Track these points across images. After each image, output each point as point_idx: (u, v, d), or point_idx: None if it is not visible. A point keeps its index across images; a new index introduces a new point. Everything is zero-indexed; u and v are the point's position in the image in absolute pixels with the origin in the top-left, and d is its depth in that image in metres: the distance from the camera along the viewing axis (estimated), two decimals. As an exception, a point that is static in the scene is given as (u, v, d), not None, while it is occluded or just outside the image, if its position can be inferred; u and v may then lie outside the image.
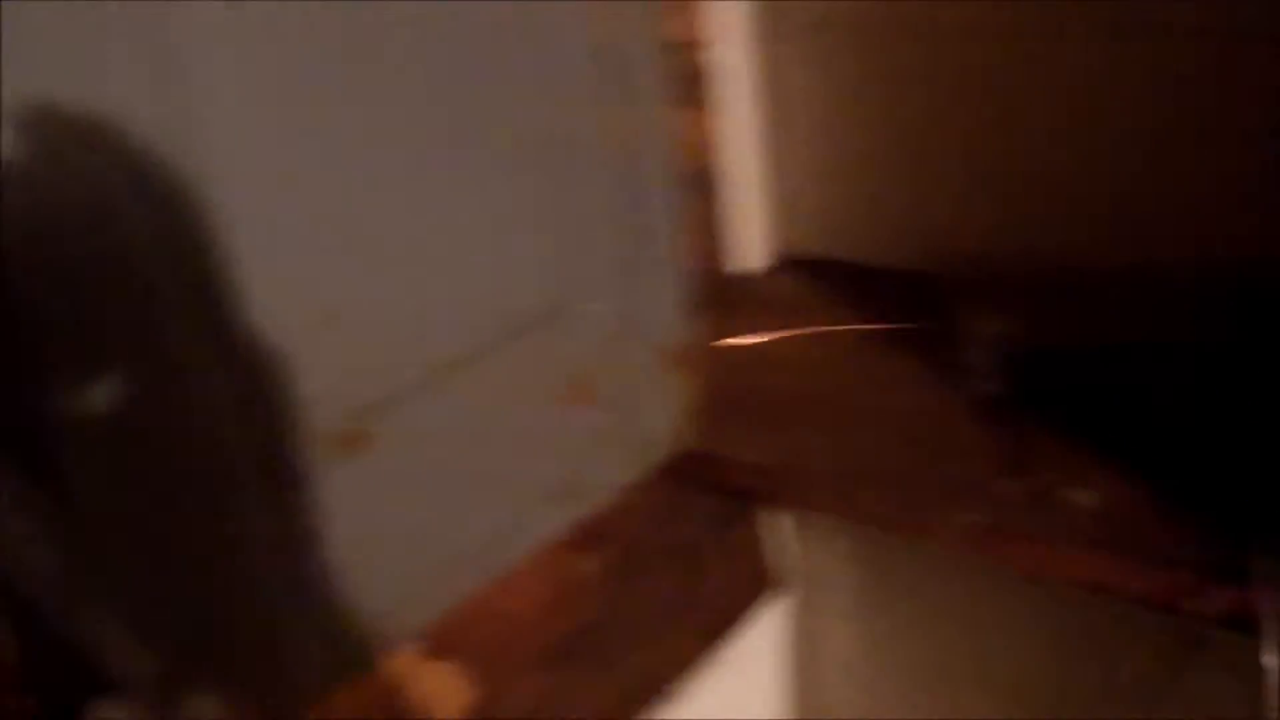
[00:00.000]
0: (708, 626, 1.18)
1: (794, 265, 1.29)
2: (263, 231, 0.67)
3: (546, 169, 0.81)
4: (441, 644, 0.88)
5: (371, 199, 0.72)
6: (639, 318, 0.90)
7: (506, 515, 0.84)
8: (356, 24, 0.70)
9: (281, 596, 0.72)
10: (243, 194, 0.65)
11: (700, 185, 1.17)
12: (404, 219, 0.74)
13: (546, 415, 0.85)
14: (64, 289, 0.59)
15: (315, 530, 0.73)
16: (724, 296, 1.16)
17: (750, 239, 1.27)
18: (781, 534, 1.25)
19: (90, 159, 0.59)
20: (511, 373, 0.82)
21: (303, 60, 0.68)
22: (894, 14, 1.13)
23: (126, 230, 0.61)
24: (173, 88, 0.62)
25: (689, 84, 1.12)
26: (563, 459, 0.86)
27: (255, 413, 0.69)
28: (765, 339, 1.13)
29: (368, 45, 0.70)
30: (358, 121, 0.71)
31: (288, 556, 0.72)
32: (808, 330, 1.13)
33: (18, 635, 0.64)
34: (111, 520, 0.64)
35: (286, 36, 0.66)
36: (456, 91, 0.75)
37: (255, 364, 0.69)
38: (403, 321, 0.75)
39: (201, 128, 0.63)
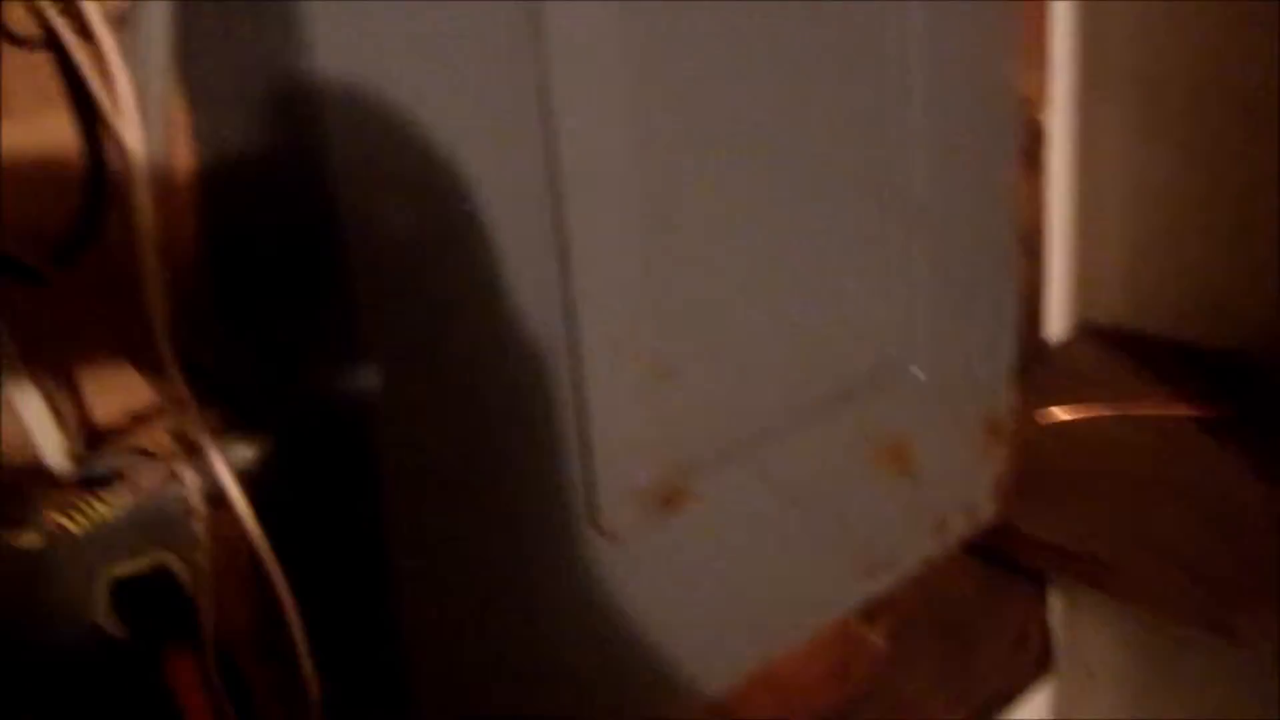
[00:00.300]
0: (978, 703, 1.14)
1: (1096, 334, 1.23)
2: (607, 275, 0.65)
3: (886, 225, 0.78)
4: (723, 706, 0.85)
5: (715, 253, 0.70)
6: (962, 384, 0.86)
7: (811, 584, 0.81)
8: (718, 64, 0.68)
9: (575, 648, 0.71)
10: (592, 238, 0.64)
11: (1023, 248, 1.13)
12: (744, 273, 0.72)
13: (862, 481, 0.81)
14: (396, 278, 0.58)
15: (621, 585, 0.71)
16: (1028, 364, 1.11)
17: (1054, 304, 1.23)
18: (1061, 615, 1.21)
19: (445, 153, 0.58)
20: (833, 436, 0.79)
21: (662, 93, 0.66)
22: (1217, 80, 1.08)
23: (464, 233, 0.60)
24: (541, 98, 0.60)
25: (1025, 143, 1.09)
26: (873, 528, 0.83)
27: (570, 457, 0.67)
28: (1088, 415, 1.08)
29: (726, 85, 0.68)
30: (709, 171, 0.69)
31: (587, 608, 0.70)
32: (1132, 410, 1.08)
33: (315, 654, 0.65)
34: (413, 553, 0.62)
35: (651, 66, 0.64)
36: (804, 144, 0.73)
37: (575, 407, 0.67)
38: (734, 379, 0.73)
39: (561, 150, 0.62)
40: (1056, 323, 1.24)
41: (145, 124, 0.57)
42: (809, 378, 0.77)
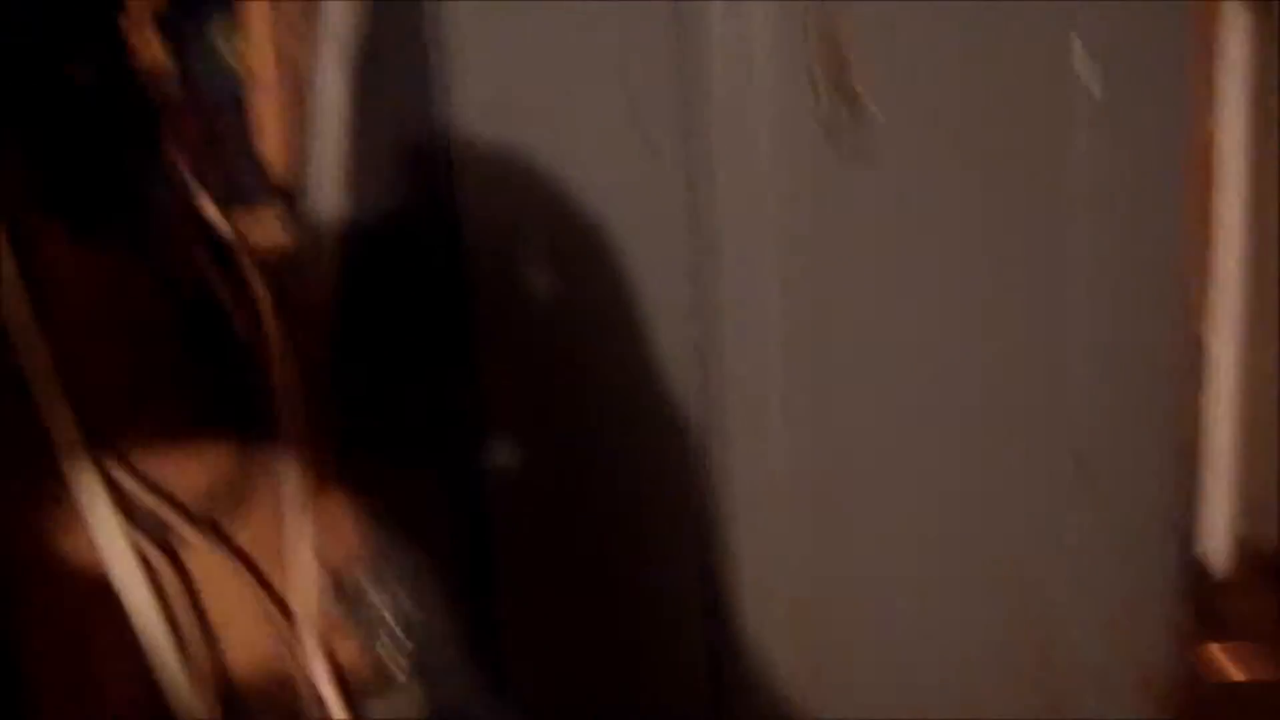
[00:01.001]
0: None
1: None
2: (752, 394, 0.62)
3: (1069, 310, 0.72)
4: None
5: (867, 393, 0.66)
6: (1116, 639, 0.82)
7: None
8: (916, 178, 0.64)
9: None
10: (738, 366, 0.61)
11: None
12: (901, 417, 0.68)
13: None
14: (524, 345, 0.58)
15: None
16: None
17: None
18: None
19: (584, 235, 0.57)
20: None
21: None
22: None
23: (599, 316, 0.59)
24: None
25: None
26: None
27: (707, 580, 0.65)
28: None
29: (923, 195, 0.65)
30: (860, 308, 0.65)
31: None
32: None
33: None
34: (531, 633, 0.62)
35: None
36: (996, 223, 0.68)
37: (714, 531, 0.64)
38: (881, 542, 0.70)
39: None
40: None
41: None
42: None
